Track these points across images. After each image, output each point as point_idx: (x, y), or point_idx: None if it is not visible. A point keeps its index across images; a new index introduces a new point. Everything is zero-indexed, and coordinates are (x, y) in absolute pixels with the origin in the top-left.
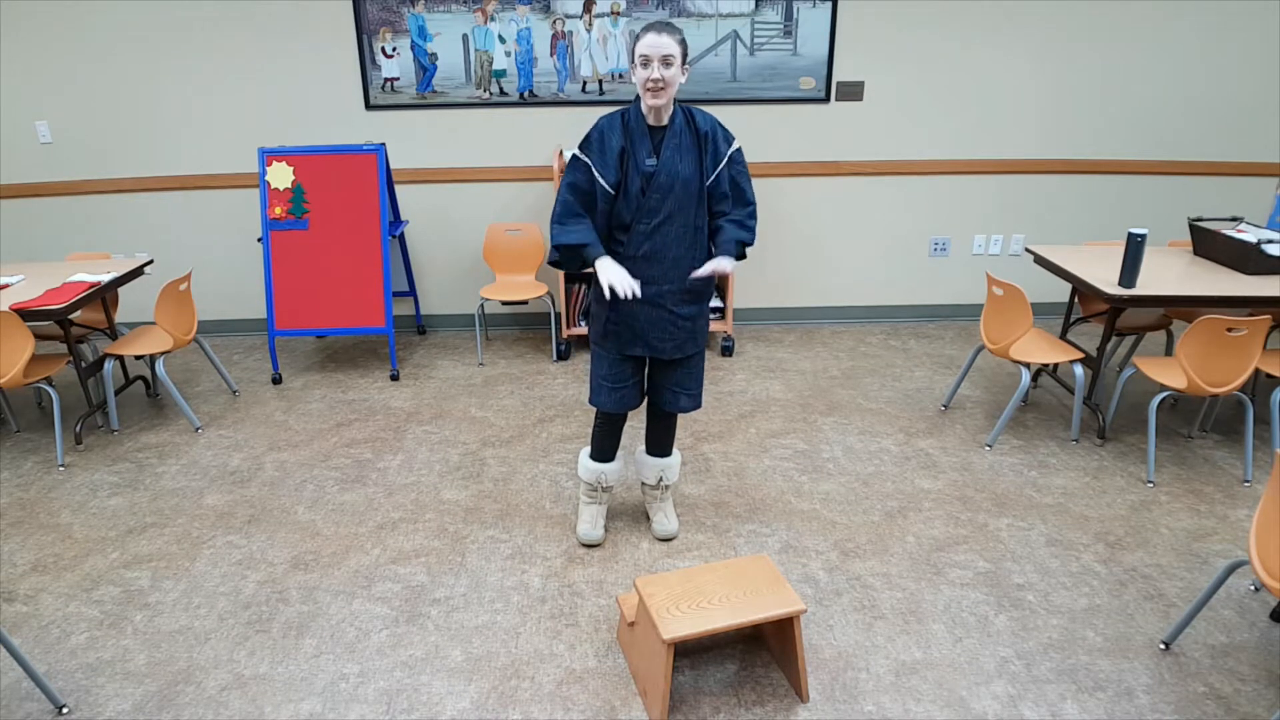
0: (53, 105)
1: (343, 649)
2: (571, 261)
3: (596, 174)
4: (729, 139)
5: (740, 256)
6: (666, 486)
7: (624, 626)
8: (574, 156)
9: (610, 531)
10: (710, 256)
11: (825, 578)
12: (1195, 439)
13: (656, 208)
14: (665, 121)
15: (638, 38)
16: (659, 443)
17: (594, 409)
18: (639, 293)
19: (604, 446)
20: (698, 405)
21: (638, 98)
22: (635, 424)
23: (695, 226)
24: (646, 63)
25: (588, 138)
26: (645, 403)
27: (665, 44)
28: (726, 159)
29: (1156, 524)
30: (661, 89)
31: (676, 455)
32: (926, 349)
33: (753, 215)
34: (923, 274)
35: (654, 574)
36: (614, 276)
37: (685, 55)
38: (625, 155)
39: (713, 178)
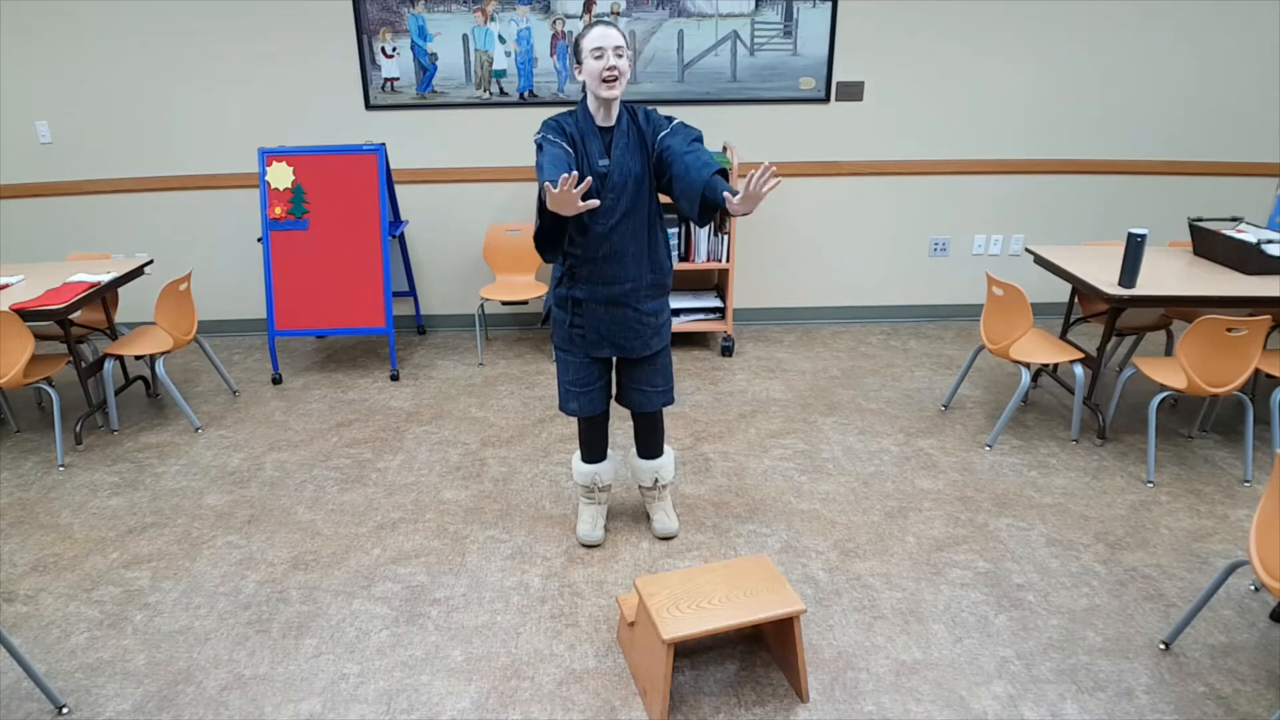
0: (53, 105)
1: (343, 649)
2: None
3: (565, 146)
4: (668, 118)
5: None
6: (663, 486)
7: (624, 626)
8: (539, 142)
9: (610, 531)
10: (666, 247)
11: (825, 578)
12: (1195, 439)
13: (612, 207)
14: (613, 122)
15: (582, 35)
16: (647, 445)
17: (562, 399)
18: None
19: (592, 448)
20: (670, 401)
21: (580, 102)
22: (627, 421)
23: (650, 222)
24: (601, 54)
25: (545, 126)
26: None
27: (615, 35)
28: (669, 129)
29: (1156, 524)
30: (617, 79)
31: (669, 454)
32: (926, 349)
33: (700, 140)
34: (923, 274)
35: (654, 574)
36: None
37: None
38: (576, 157)
39: (656, 150)
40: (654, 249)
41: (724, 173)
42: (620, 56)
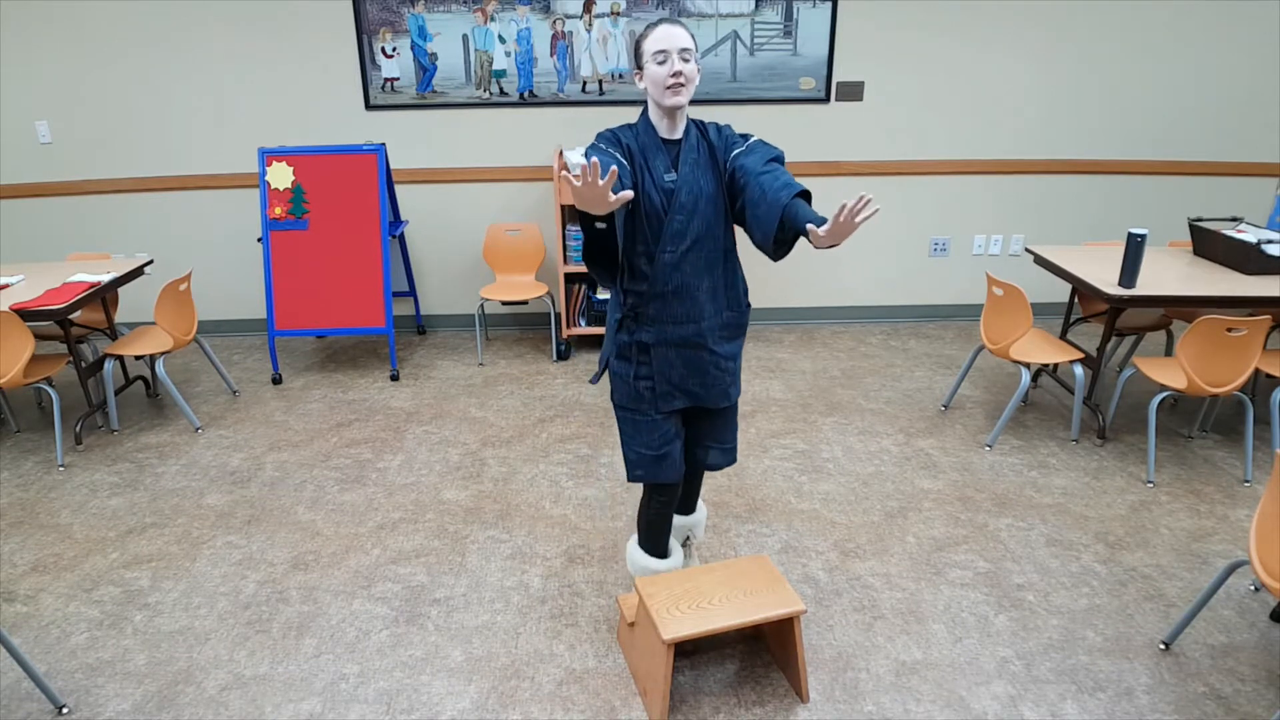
0: (53, 105)
1: (343, 649)
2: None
3: (618, 156)
4: (744, 136)
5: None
6: (695, 542)
7: (624, 626)
8: (587, 152)
9: (611, 533)
10: (743, 280)
11: (825, 578)
12: (1195, 439)
13: (682, 231)
14: (679, 135)
15: (644, 36)
16: (689, 500)
17: (631, 468)
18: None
19: (660, 533)
20: (735, 459)
21: (643, 113)
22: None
23: (725, 249)
24: (665, 58)
25: (599, 137)
26: None
27: (681, 36)
28: (744, 146)
29: (1156, 524)
30: (683, 86)
31: (703, 508)
32: (926, 349)
33: (781, 161)
34: (923, 274)
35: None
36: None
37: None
38: (635, 173)
39: (728, 170)
40: (731, 282)
41: (807, 195)
42: (687, 61)
